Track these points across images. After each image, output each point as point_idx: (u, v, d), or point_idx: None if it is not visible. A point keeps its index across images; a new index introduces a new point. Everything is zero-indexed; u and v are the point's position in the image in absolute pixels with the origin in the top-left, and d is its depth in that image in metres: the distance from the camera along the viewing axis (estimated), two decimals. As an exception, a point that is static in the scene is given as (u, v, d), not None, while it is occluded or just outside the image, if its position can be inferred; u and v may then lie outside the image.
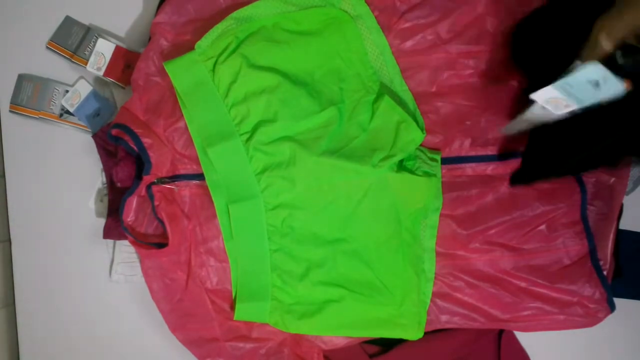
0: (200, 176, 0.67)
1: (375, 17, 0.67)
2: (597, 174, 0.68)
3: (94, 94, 0.78)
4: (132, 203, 0.68)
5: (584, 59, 0.50)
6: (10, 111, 0.81)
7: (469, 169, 0.67)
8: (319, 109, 0.65)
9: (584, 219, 0.66)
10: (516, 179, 0.66)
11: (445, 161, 0.67)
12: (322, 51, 0.66)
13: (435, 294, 0.68)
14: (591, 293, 0.66)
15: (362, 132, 0.66)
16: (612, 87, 0.49)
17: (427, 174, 0.65)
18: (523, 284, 0.67)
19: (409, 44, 0.67)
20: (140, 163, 0.70)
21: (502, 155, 0.67)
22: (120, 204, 0.68)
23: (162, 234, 0.71)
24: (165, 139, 0.68)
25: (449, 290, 0.68)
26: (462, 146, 0.67)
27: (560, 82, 0.50)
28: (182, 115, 0.67)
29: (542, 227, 0.66)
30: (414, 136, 0.65)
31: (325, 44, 0.66)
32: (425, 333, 0.68)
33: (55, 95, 0.80)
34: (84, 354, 0.82)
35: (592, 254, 0.66)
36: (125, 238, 0.71)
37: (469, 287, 0.68)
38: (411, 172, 0.65)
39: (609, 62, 0.48)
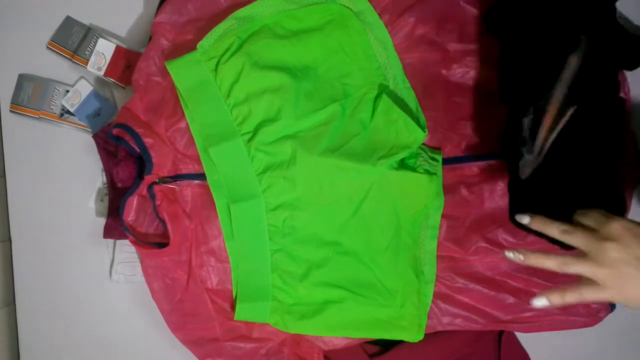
0: (202, 176, 0.67)
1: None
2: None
3: (95, 94, 0.78)
4: (133, 203, 0.68)
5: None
6: (11, 111, 0.81)
7: (469, 168, 0.67)
8: (320, 106, 0.65)
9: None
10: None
11: (445, 161, 0.67)
12: (325, 46, 0.66)
13: (436, 296, 0.68)
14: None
15: (362, 130, 0.66)
16: None
17: (428, 172, 0.65)
18: (524, 285, 0.67)
19: (409, 41, 0.68)
20: (141, 163, 0.70)
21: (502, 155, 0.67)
22: (121, 204, 0.67)
23: (162, 234, 0.71)
24: (166, 138, 0.68)
25: (450, 292, 0.68)
26: (462, 146, 0.67)
27: None
28: (184, 115, 0.67)
29: (543, 227, 0.66)
30: (415, 136, 0.65)
31: (329, 39, 0.66)
32: (425, 334, 0.68)
33: (55, 95, 0.80)
34: (84, 354, 0.82)
35: (593, 253, 0.66)
36: (125, 238, 0.71)
37: (470, 289, 0.68)
38: (412, 169, 0.65)
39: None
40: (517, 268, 0.67)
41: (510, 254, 0.51)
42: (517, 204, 0.59)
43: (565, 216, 0.51)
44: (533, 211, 0.53)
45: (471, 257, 0.67)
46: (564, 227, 0.49)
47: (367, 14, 0.67)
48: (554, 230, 0.50)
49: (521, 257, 0.50)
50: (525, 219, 0.53)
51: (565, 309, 0.67)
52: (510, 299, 0.67)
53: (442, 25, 0.67)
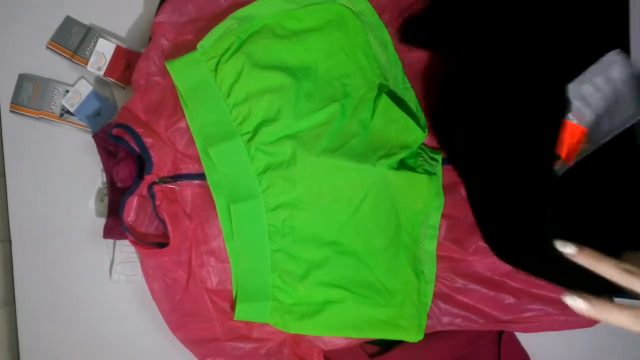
0: (202, 176, 0.67)
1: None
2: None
3: (95, 94, 0.78)
4: (133, 203, 0.68)
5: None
6: (11, 111, 0.81)
7: (470, 169, 0.67)
8: (320, 106, 0.65)
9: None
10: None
11: (445, 161, 0.67)
12: (325, 46, 0.67)
13: (436, 296, 0.68)
14: (591, 292, 0.66)
15: (362, 130, 0.66)
16: None
17: (427, 172, 0.65)
18: (523, 286, 0.67)
19: (409, 42, 0.68)
20: (141, 163, 0.70)
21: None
22: (121, 204, 0.68)
23: (162, 234, 0.71)
24: (166, 138, 0.68)
25: (449, 292, 0.68)
26: (462, 146, 0.67)
27: None
28: (184, 115, 0.67)
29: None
30: (415, 136, 0.65)
31: (329, 39, 0.67)
32: (425, 334, 0.68)
33: (55, 95, 0.80)
34: (84, 354, 0.82)
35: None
36: (125, 238, 0.71)
37: (469, 289, 0.68)
38: (412, 169, 0.65)
39: None
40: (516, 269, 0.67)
41: (570, 301, 0.42)
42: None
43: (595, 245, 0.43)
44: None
45: (471, 257, 0.67)
46: (627, 266, 0.41)
47: (367, 14, 0.67)
48: (610, 267, 0.42)
49: (582, 306, 0.41)
50: (569, 249, 0.44)
51: (565, 309, 0.67)
52: (510, 299, 0.67)
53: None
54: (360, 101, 0.66)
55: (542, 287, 0.66)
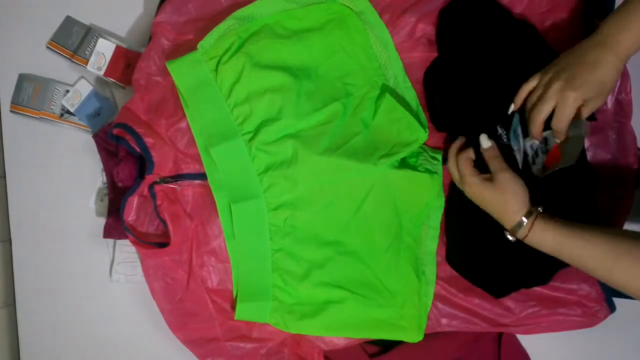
0: (203, 175, 0.67)
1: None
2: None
3: (95, 94, 0.78)
4: (134, 202, 0.68)
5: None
6: (11, 111, 0.81)
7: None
8: (321, 105, 0.65)
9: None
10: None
11: (445, 161, 0.67)
12: (325, 45, 0.67)
13: (435, 297, 0.68)
14: (587, 291, 0.66)
15: (364, 129, 0.66)
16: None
17: (429, 171, 0.65)
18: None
19: (410, 41, 0.68)
20: (142, 163, 0.70)
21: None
22: (122, 203, 0.67)
23: (162, 234, 0.71)
24: (167, 138, 0.68)
25: (448, 294, 0.68)
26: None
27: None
28: (184, 115, 0.67)
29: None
30: (417, 136, 0.65)
31: (329, 38, 0.67)
32: (425, 334, 0.68)
33: (55, 95, 0.80)
34: (84, 354, 0.81)
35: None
36: (125, 237, 0.71)
37: (468, 291, 0.68)
38: (413, 168, 0.65)
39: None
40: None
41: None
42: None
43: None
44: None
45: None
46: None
47: (367, 13, 0.67)
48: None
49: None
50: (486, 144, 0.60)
51: (563, 308, 0.67)
52: (509, 302, 0.67)
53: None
54: (361, 100, 0.66)
55: (541, 289, 0.67)
